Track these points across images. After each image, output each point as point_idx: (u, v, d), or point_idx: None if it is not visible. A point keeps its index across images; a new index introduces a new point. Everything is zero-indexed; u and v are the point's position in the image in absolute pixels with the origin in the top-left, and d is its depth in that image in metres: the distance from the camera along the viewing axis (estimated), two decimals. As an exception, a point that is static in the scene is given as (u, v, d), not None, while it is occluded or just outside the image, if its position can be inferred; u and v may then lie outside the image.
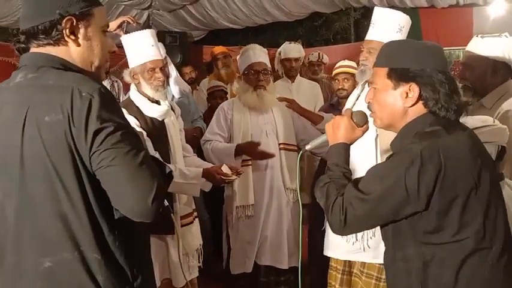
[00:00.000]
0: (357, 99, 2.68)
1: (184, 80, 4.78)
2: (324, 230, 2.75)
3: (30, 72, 1.40)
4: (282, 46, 4.45)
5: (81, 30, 1.45)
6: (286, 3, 5.95)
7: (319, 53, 5.04)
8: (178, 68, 4.89)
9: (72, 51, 1.45)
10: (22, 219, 1.36)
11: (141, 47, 2.56)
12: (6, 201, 1.37)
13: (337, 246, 2.62)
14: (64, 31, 1.41)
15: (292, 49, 4.38)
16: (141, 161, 1.33)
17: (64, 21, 1.41)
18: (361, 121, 1.73)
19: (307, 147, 1.88)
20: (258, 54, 3.21)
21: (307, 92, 4.28)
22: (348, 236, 2.54)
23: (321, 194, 1.63)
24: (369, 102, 1.71)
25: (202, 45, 6.87)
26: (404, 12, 2.62)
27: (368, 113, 1.75)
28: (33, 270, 1.36)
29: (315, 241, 3.29)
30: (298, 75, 4.49)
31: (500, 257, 1.49)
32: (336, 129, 1.72)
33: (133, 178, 1.31)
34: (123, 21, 2.33)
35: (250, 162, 3.16)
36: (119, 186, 1.32)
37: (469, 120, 1.93)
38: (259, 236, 3.20)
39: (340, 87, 3.90)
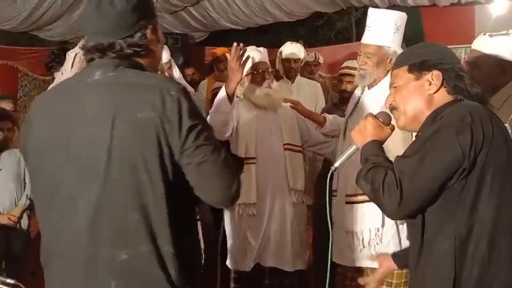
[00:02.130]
0: (358, 101, 2.66)
1: (186, 82, 4.78)
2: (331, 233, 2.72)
3: (109, 70, 1.42)
4: (283, 46, 4.43)
5: (157, 35, 1.49)
6: (288, 4, 5.94)
7: (315, 53, 5.11)
8: (181, 70, 4.89)
9: (149, 56, 1.49)
10: (100, 213, 1.37)
11: None
12: (79, 196, 1.38)
13: (345, 253, 2.60)
14: (149, 41, 1.45)
15: (292, 50, 4.36)
16: (225, 157, 1.44)
17: (149, 31, 1.44)
18: (386, 119, 1.68)
19: (336, 164, 1.77)
20: (258, 55, 3.22)
21: (306, 92, 4.26)
22: (355, 242, 2.52)
23: (365, 182, 1.53)
24: (390, 104, 1.68)
25: (204, 47, 6.87)
26: (405, 12, 2.59)
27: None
28: (108, 263, 1.37)
29: (321, 242, 3.27)
30: (298, 75, 4.48)
31: None
32: (364, 130, 1.66)
33: (221, 172, 1.43)
34: None
35: (254, 160, 3.13)
36: (209, 180, 1.42)
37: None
38: (262, 236, 3.18)
39: (343, 88, 3.89)
